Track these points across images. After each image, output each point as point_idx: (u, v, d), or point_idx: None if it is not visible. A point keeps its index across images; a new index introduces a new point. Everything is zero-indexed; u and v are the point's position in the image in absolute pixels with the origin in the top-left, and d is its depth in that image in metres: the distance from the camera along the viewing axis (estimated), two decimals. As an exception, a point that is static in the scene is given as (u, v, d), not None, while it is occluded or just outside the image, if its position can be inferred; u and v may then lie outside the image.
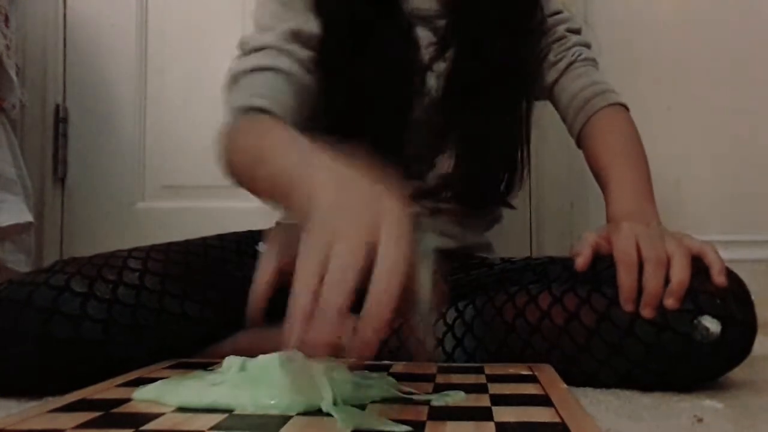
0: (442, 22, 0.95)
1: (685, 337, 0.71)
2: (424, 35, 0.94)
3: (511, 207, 1.03)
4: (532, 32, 0.98)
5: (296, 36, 0.87)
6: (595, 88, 0.96)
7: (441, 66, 0.94)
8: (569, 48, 0.99)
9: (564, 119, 1.00)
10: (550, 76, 1.00)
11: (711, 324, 0.70)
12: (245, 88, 0.83)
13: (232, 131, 0.78)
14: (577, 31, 1.02)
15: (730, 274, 0.74)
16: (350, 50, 0.89)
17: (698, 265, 0.73)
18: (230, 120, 0.81)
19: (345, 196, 0.50)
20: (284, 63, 0.85)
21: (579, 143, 0.98)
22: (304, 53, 0.87)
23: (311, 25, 0.89)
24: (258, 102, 0.80)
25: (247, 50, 0.87)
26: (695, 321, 0.71)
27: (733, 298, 0.72)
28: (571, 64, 0.99)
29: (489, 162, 0.96)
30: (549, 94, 1.01)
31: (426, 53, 0.94)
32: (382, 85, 0.89)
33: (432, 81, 0.94)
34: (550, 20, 1.00)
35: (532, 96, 1.02)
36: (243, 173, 0.72)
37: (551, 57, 1.00)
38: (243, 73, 0.85)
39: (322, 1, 0.90)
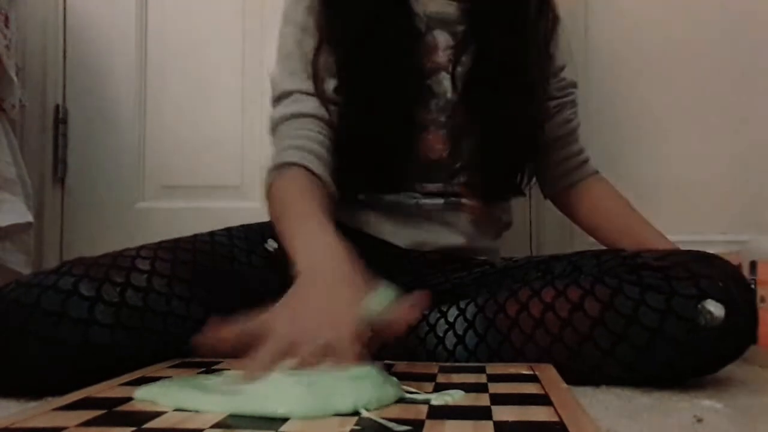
0: (461, 28, 0.97)
1: (690, 323, 0.72)
2: (442, 39, 0.96)
3: (523, 195, 1.06)
4: (536, 33, 1.01)
5: (315, 68, 0.92)
6: (583, 157, 1.08)
7: (457, 69, 0.95)
8: (576, 115, 1.08)
9: (552, 167, 1.07)
10: (559, 131, 1.06)
11: (715, 308, 0.71)
12: (282, 137, 0.91)
13: (274, 185, 0.87)
14: (576, 85, 1.09)
15: (729, 264, 0.76)
16: (363, 54, 0.92)
17: (700, 252, 0.76)
18: (273, 169, 0.88)
19: (310, 308, 0.63)
20: (311, 107, 0.91)
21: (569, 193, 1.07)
22: (327, 86, 0.92)
23: (328, 50, 0.93)
24: (291, 157, 0.88)
25: (277, 95, 0.94)
26: (699, 306, 0.71)
27: (735, 284, 0.74)
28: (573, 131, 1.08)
29: (512, 155, 0.99)
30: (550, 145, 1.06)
31: (443, 56, 0.96)
32: (395, 87, 0.91)
33: (446, 83, 0.95)
34: (563, 81, 1.06)
35: (544, 93, 1.05)
36: (274, 219, 0.85)
37: (567, 115, 1.07)
38: (280, 121, 0.92)
39: (335, 10, 0.93)
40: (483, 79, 0.95)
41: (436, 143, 0.95)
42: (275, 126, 0.93)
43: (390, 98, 0.91)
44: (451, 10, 0.97)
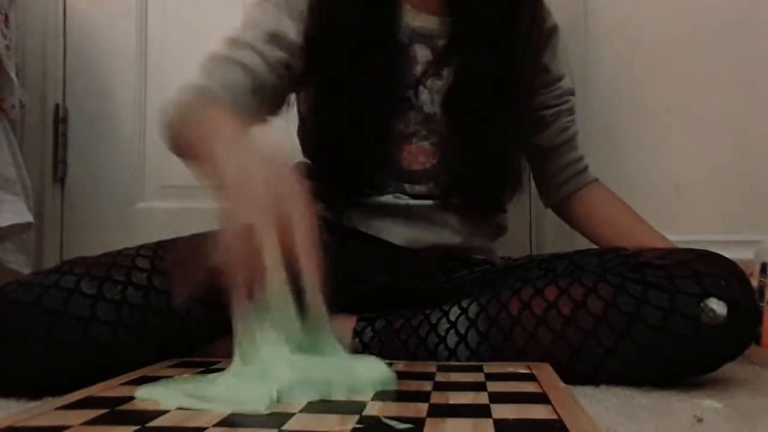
0: (441, 42, 0.96)
1: (693, 320, 0.72)
2: (422, 53, 0.96)
3: (504, 211, 1.05)
4: (526, 46, 1.00)
5: (274, 38, 0.91)
6: (582, 165, 1.08)
7: (436, 83, 0.95)
8: (574, 123, 1.08)
9: (550, 175, 1.08)
10: (557, 139, 1.06)
11: (717, 306, 0.72)
12: (213, 73, 0.88)
13: (185, 106, 0.83)
14: (573, 92, 1.08)
15: (731, 262, 0.77)
16: (345, 64, 0.91)
17: (702, 251, 0.76)
18: (184, 94, 0.85)
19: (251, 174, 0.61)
20: (253, 61, 0.89)
21: (569, 200, 1.07)
22: (277, 55, 0.91)
23: (292, 31, 0.92)
24: (218, 90, 0.85)
25: (230, 39, 0.91)
26: (702, 303, 0.72)
27: (737, 282, 0.74)
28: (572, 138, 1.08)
29: (491, 172, 0.98)
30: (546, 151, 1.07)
31: (421, 69, 0.96)
32: (372, 97, 0.91)
33: (424, 96, 0.95)
34: (559, 89, 1.06)
35: (525, 110, 1.04)
36: (184, 147, 0.79)
37: (564, 123, 1.06)
38: (215, 60, 0.90)
39: (319, 15, 0.92)
40: (462, 94, 0.95)
41: (419, 155, 0.96)
42: (207, 63, 0.90)
43: (367, 108, 0.91)
44: (433, 24, 0.96)
